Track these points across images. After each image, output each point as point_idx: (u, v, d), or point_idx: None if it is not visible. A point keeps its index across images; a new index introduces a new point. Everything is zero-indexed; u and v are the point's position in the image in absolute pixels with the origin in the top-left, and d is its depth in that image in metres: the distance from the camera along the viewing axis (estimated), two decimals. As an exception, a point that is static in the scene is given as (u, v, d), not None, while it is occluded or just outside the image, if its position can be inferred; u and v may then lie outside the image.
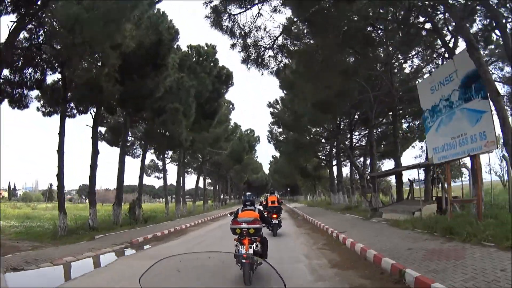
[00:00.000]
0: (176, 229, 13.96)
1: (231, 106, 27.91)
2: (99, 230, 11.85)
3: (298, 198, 59.96)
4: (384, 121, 18.15)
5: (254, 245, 4.52)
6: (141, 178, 18.00)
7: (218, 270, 1.75)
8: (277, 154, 48.03)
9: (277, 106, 24.19)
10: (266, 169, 67.57)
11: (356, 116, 19.67)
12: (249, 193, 5.75)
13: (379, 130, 21.22)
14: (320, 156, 28.20)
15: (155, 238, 11.13)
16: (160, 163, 28.40)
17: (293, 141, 21.54)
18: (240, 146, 33.06)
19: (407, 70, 15.70)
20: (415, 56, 14.09)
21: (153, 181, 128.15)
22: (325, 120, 16.16)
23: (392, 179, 20.38)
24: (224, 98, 23.12)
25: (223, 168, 37.98)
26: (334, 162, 25.70)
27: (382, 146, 22.23)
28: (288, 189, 63.81)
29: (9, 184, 67.44)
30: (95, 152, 13.80)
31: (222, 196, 55.43)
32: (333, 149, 26.01)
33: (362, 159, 22.54)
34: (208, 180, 44.71)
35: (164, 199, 27.06)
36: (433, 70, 15.38)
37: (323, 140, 25.64)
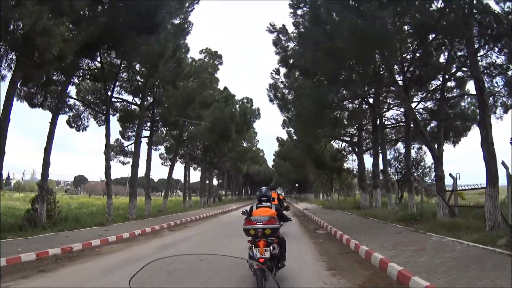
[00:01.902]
0: (66, 249, 7.12)
1: (217, 60, 19.47)
2: None
3: (307, 196, 49.32)
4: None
5: (271, 247, 3.86)
6: (47, 150, 10.49)
7: (209, 273, 1.63)
8: (283, 135, 37.35)
9: (284, 37, 13.92)
10: (270, 162, 59.91)
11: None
12: (265, 187, 4.91)
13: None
14: (343, 138, 19.58)
15: None
16: (126, 143, 20.50)
17: (312, 96, 11.92)
18: (226, 113, 21.82)
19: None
20: None
21: (155, 172, 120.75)
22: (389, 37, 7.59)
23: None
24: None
25: (216, 156, 29.97)
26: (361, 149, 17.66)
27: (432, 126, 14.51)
28: (296, 185, 53.53)
29: (1, 173, 63.37)
30: None
31: (219, 192, 47.22)
32: (363, 131, 17.84)
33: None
34: (207, 173, 36.65)
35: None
36: None
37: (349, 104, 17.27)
